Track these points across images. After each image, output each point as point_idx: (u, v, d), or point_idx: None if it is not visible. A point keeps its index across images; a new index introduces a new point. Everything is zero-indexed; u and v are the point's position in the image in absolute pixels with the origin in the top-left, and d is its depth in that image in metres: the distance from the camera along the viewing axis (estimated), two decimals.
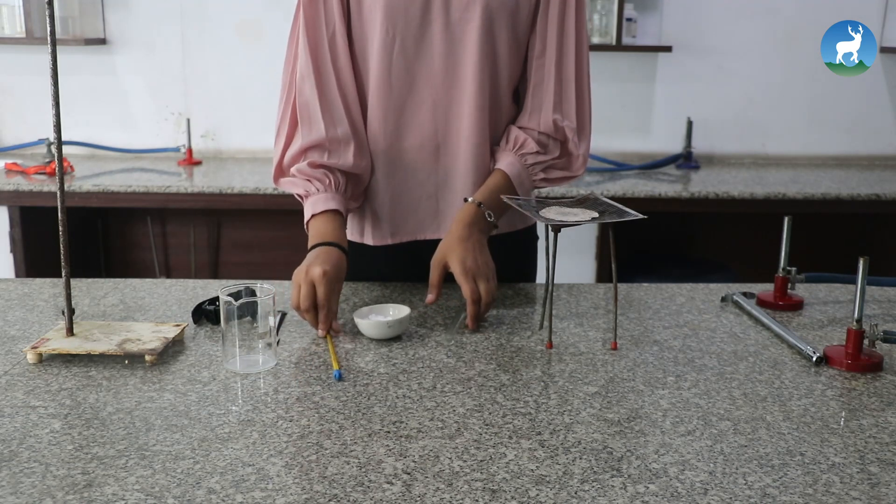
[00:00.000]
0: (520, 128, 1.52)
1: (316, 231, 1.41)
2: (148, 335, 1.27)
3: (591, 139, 1.56)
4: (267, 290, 1.22)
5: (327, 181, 1.45)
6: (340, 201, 1.45)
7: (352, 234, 1.60)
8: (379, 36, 1.44)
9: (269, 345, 1.22)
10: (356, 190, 1.52)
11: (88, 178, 3.09)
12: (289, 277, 1.36)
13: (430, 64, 1.46)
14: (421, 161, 1.52)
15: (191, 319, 1.37)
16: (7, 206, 3.09)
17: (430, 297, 1.40)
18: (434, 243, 1.46)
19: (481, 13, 1.43)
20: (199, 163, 3.44)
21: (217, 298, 1.40)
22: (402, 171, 1.53)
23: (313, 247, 1.38)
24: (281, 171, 1.52)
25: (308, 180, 1.46)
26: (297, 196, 1.50)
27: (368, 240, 1.58)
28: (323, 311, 1.31)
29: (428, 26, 1.44)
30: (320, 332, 1.31)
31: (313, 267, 1.32)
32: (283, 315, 1.39)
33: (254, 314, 1.21)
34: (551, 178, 1.53)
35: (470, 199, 1.46)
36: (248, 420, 1.04)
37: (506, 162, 1.50)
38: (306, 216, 1.45)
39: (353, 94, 1.49)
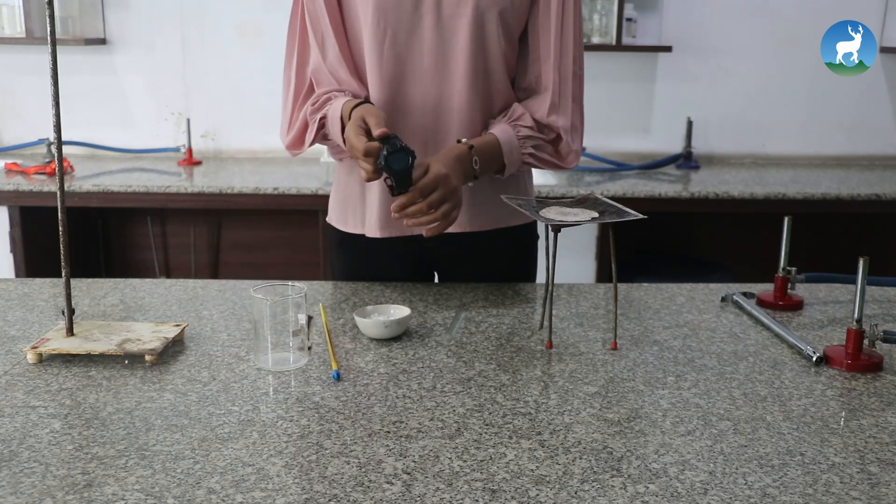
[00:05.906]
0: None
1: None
2: (148, 335, 1.27)
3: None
4: (299, 289, 1.22)
5: (335, 96, 1.47)
6: (353, 96, 1.46)
7: (354, 227, 1.59)
8: (370, 29, 1.44)
9: (301, 343, 1.22)
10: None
11: (88, 178, 3.09)
12: (289, 277, 1.36)
13: (421, 59, 1.46)
14: None
15: (192, 317, 1.37)
16: (7, 206, 3.09)
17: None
18: (433, 242, 1.45)
19: (472, 10, 1.43)
20: (199, 163, 3.44)
21: (385, 142, 1.32)
22: None
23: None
24: (297, 143, 1.54)
25: (315, 111, 1.48)
26: (324, 132, 1.49)
27: (367, 231, 1.58)
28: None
29: (419, 21, 1.44)
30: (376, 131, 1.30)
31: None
32: (310, 318, 1.39)
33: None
34: (540, 157, 1.52)
35: (463, 140, 1.44)
36: (248, 420, 1.04)
37: (498, 129, 1.48)
38: (338, 136, 1.43)
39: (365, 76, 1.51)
